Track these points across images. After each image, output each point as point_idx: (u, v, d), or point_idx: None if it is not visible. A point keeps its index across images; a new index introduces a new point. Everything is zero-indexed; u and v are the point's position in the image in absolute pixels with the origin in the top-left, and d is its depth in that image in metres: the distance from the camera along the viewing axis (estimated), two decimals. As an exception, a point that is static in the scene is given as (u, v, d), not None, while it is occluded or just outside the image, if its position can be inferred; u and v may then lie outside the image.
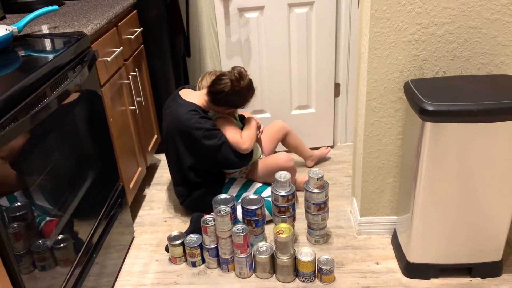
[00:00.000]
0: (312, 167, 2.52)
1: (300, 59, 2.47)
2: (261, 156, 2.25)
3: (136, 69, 2.18)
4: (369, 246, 1.92)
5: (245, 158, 2.03)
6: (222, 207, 1.77)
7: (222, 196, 1.89)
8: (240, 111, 2.27)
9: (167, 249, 1.92)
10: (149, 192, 2.42)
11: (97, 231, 1.68)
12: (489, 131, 1.45)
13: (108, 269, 1.76)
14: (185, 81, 2.71)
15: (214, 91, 1.98)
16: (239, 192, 2.10)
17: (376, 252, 1.89)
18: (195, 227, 1.95)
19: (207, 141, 1.95)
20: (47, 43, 1.59)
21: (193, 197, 2.10)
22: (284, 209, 1.88)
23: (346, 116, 2.66)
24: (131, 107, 2.12)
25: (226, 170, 2.14)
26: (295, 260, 1.75)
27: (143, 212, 2.26)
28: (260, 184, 2.14)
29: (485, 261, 1.69)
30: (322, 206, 1.89)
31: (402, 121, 1.75)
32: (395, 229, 1.91)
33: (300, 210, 2.07)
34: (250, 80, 2.01)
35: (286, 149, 2.48)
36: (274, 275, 1.80)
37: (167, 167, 2.20)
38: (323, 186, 1.88)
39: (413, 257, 1.71)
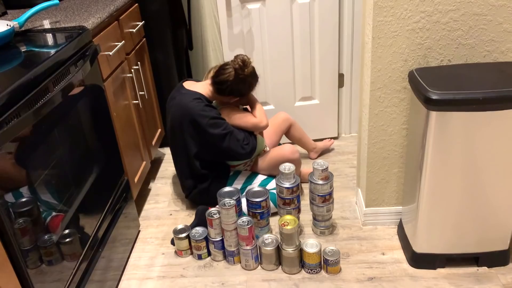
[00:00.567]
0: (316, 159, 2.51)
1: (303, 50, 2.45)
2: (266, 149, 2.25)
3: (139, 62, 2.18)
4: (375, 237, 1.92)
5: (250, 150, 2.03)
6: (227, 200, 1.77)
7: (227, 188, 1.89)
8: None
9: (172, 242, 1.93)
10: (154, 186, 2.43)
11: (102, 225, 1.68)
12: (495, 119, 1.44)
13: (114, 263, 1.77)
14: (188, 74, 2.70)
15: (218, 82, 1.98)
16: (243, 184, 2.10)
17: (382, 242, 1.89)
18: (200, 220, 1.96)
19: (212, 130, 1.95)
20: (49, 38, 1.58)
21: (198, 190, 2.10)
22: (289, 201, 1.88)
23: (351, 106, 2.64)
24: (134, 101, 2.11)
25: (231, 162, 2.14)
26: (300, 251, 1.75)
27: (149, 206, 2.27)
28: (264, 177, 2.14)
29: (492, 250, 1.69)
30: (327, 198, 1.89)
31: (407, 110, 1.73)
32: (400, 219, 1.91)
33: (305, 202, 2.07)
34: (254, 67, 2.01)
35: (290, 141, 2.47)
36: (280, 267, 1.80)
37: (172, 160, 2.20)
38: (328, 177, 1.87)
39: (419, 247, 1.71)
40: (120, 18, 2.00)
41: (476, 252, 1.70)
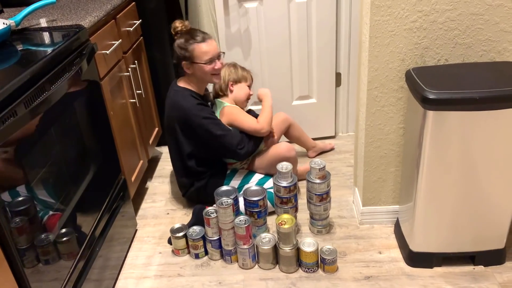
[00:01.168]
0: (314, 157, 2.51)
1: (301, 49, 2.45)
2: (263, 148, 2.25)
3: (136, 61, 2.17)
4: (372, 236, 1.92)
5: (244, 154, 2.03)
6: (224, 199, 1.77)
7: (224, 187, 1.89)
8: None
9: (170, 242, 1.93)
10: (151, 185, 2.42)
11: (99, 224, 1.68)
12: (491, 119, 1.44)
13: (111, 262, 1.76)
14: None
15: (176, 60, 2.04)
16: (241, 183, 2.10)
17: (378, 241, 1.89)
18: (198, 219, 1.96)
19: (205, 127, 1.96)
20: (45, 37, 1.58)
21: (195, 188, 2.10)
22: (286, 200, 1.88)
23: (348, 105, 2.65)
24: (131, 100, 2.11)
25: (228, 160, 2.14)
26: (297, 250, 1.75)
27: (146, 205, 2.26)
28: (262, 175, 2.14)
29: (488, 249, 1.69)
30: (324, 196, 1.89)
31: (404, 110, 1.74)
32: (397, 218, 1.91)
33: (302, 201, 2.07)
34: (190, 28, 2.05)
35: (288, 141, 2.47)
36: (277, 266, 1.80)
37: (169, 159, 2.20)
38: (325, 176, 1.87)
39: (416, 246, 1.71)
40: (117, 16, 2.00)
41: (473, 251, 1.70)
